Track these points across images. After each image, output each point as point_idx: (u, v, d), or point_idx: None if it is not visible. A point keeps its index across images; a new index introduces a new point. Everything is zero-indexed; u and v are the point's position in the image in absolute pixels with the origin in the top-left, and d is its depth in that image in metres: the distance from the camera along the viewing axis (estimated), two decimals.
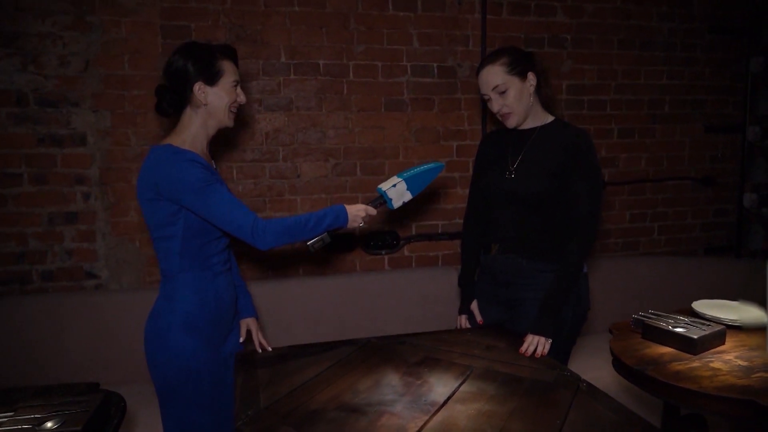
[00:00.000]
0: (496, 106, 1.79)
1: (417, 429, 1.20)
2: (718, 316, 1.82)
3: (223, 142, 2.48)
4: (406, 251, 2.77)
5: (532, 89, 1.78)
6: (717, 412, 1.38)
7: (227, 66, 1.63)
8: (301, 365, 1.57)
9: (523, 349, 1.66)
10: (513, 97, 1.76)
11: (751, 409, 1.32)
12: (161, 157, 1.54)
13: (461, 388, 1.40)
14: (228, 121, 1.67)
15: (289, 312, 2.47)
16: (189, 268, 1.61)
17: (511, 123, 1.81)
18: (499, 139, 1.91)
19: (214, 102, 1.62)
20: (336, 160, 2.62)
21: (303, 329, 2.46)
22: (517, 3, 2.74)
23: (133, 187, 2.39)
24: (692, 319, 1.76)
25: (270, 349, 1.77)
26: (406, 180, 1.74)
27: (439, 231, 2.79)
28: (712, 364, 1.53)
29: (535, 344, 1.66)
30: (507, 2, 2.73)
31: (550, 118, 1.83)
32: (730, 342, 1.68)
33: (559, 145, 1.75)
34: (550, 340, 1.68)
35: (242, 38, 2.46)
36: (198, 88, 1.59)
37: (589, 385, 1.43)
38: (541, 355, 1.64)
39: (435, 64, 2.69)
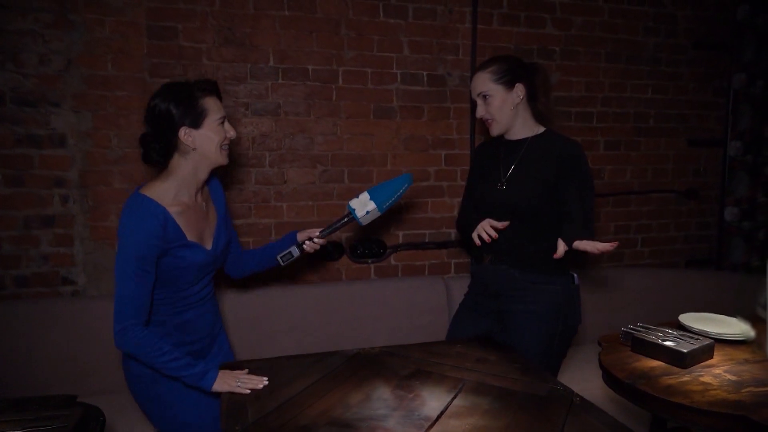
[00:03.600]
0: (479, 111, 1.82)
1: None
2: (705, 329, 1.83)
3: None
4: (392, 260, 2.74)
5: (518, 100, 1.78)
6: (709, 427, 1.37)
7: (210, 104, 1.54)
8: (289, 378, 1.53)
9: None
10: (495, 106, 1.77)
11: (743, 424, 1.32)
12: (127, 206, 1.49)
13: (454, 402, 1.37)
14: (222, 160, 1.61)
15: (273, 321, 2.41)
16: (157, 313, 1.59)
17: (493, 131, 1.83)
18: (492, 149, 1.91)
19: (203, 145, 1.54)
20: (324, 166, 2.59)
21: (287, 339, 2.41)
22: (507, 14, 2.75)
23: (115, 191, 2.33)
24: (680, 333, 1.76)
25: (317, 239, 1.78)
26: (369, 191, 1.77)
27: (426, 240, 2.77)
28: (702, 379, 1.53)
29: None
30: (497, 12, 2.73)
31: (541, 129, 1.83)
32: (717, 356, 1.69)
33: (551, 156, 1.74)
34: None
35: (230, 41, 2.41)
36: (184, 133, 1.51)
37: (583, 399, 1.41)
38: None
39: (425, 73, 2.68)
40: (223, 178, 2.44)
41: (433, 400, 1.38)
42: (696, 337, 1.73)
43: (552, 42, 2.84)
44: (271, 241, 2.05)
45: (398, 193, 1.79)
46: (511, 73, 1.77)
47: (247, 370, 1.55)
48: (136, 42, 2.30)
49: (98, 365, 2.17)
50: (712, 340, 1.70)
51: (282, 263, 1.78)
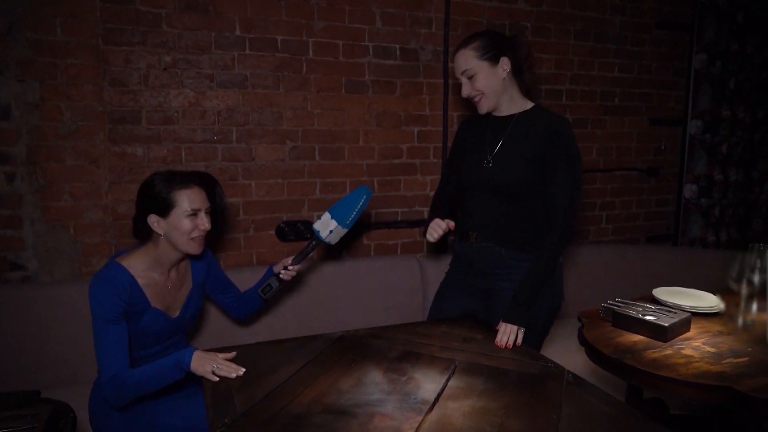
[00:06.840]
0: (465, 90, 1.75)
1: (414, 430, 1.13)
2: (679, 303, 1.87)
3: (170, 121, 2.27)
4: (364, 240, 2.68)
5: (504, 74, 1.73)
6: (695, 399, 1.40)
7: (183, 196, 1.58)
8: (273, 364, 1.46)
9: (498, 339, 1.62)
10: (482, 83, 1.71)
11: (727, 394, 1.35)
12: (99, 271, 1.56)
13: (449, 384, 1.34)
14: (191, 250, 1.63)
15: None
16: None
17: (482, 108, 1.77)
18: (477, 125, 1.86)
19: (170, 233, 1.59)
20: (293, 142, 2.48)
21: (258, 323, 2.31)
22: None
23: (67, 168, 2.15)
24: (658, 307, 1.80)
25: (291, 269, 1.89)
26: (329, 210, 1.84)
27: (399, 219, 2.72)
28: (683, 351, 1.55)
29: (509, 333, 1.63)
30: None
31: (529, 105, 1.79)
32: (694, 329, 1.73)
33: (539, 132, 1.71)
34: (523, 329, 1.65)
35: (192, 7, 2.24)
36: (153, 219, 1.59)
37: (575, 376, 1.41)
38: (515, 345, 1.62)
39: (397, 46, 2.59)
40: (186, 155, 2.30)
41: (427, 383, 1.34)
42: (673, 310, 1.76)
43: (523, 17, 2.81)
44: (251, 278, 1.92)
45: (358, 206, 1.84)
46: (494, 47, 1.71)
47: (234, 353, 1.51)
48: (89, 4, 2.11)
49: (54, 356, 2.01)
50: (689, 314, 1.74)
51: (263, 296, 1.85)
